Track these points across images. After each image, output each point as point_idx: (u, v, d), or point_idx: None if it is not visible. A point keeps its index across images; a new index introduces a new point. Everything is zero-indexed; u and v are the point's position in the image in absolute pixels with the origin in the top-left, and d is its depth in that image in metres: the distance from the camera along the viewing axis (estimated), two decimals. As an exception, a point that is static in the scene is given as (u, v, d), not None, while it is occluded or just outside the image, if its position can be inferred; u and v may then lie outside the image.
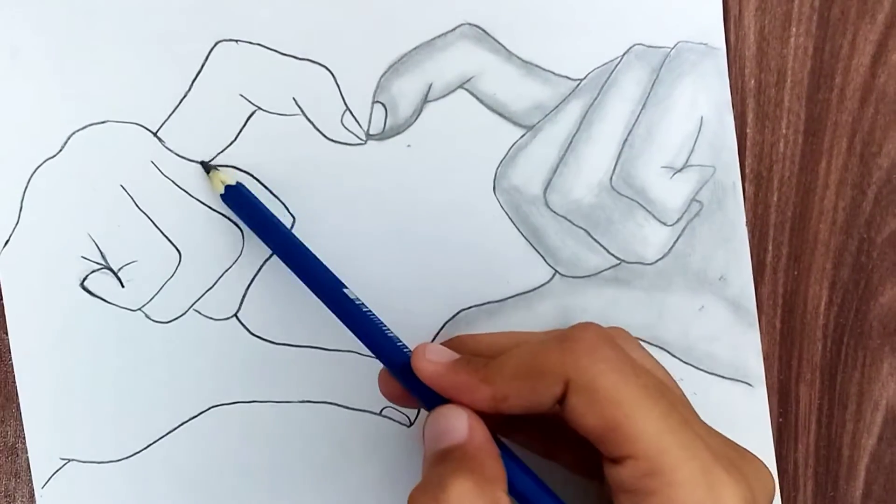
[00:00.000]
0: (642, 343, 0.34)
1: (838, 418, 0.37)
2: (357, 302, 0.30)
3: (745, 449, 0.27)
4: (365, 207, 0.34)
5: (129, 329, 0.34)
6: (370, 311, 0.30)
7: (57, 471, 0.34)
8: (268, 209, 0.33)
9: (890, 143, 0.36)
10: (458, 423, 0.27)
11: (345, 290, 0.31)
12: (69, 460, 0.34)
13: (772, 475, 0.27)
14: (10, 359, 0.34)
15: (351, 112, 0.34)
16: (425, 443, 0.28)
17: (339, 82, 0.34)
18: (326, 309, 0.34)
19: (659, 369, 0.29)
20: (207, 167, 0.33)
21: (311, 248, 0.33)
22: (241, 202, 0.33)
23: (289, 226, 0.34)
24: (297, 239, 0.32)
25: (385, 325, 0.30)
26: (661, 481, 0.25)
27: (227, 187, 0.33)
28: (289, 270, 0.34)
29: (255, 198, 0.33)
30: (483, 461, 0.26)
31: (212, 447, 0.34)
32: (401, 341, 0.30)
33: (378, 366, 0.30)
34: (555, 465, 0.31)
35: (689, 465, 0.25)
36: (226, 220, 0.34)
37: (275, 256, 0.34)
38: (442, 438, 0.27)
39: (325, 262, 0.32)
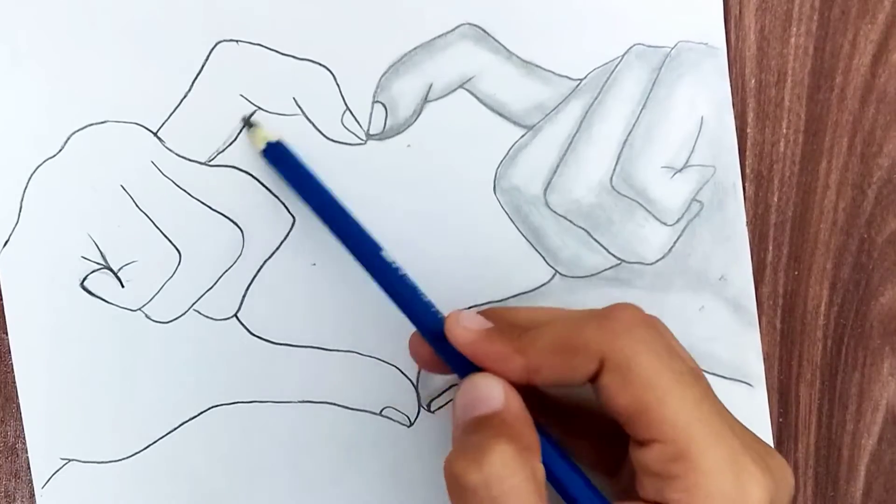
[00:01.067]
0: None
1: (838, 418, 0.37)
2: (394, 266, 0.30)
3: (769, 446, 0.27)
4: (365, 207, 0.34)
5: (129, 329, 0.34)
6: (406, 275, 0.30)
7: (57, 471, 0.34)
8: (309, 168, 0.32)
9: (890, 142, 0.36)
10: (494, 391, 0.26)
11: (382, 253, 0.30)
12: (69, 460, 0.34)
13: (792, 475, 0.27)
14: (10, 359, 0.34)
15: (351, 112, 0.34)
16: (457, 410, 0.27)
17: (339, 82, 0.34)
18: (326, 309, 0.34)
19: (692, 360, 0.29)
20: (249, 122, 0.33)
21: (310, 249, 0.33)
22: (281, 160, 0.32)
23: (289, 226, 0.34)
24: (338, 199, 0.32)
25: (420, 290, 0.30)
26: (687, 466, 0.24)
27: (269, 144, 0.32)
28: (288, 271, 0.34)
29: (297, 156, 0.33)
30: (521, 429, 0.26)
31: (212, 447, 0.34)
32: (435, 307, 0.29)
33: (379, 360, 0.30)
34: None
35: (717, 453, 0.24)
36: (226, 220, 0.34)
37: (275, 256, 0.34)
38: (477, 405, 0.26)
39: (324, 262, 0.32)
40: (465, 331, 0.28)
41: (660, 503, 0.25)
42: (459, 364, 0.28)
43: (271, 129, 0.33)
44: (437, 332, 0.29)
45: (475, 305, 0.35)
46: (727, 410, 0.26)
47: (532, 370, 0.27)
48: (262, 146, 0.32)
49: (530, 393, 0.27)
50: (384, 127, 0.34)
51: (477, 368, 0.28)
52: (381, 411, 0.35)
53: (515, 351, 0.27)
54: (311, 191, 0.32)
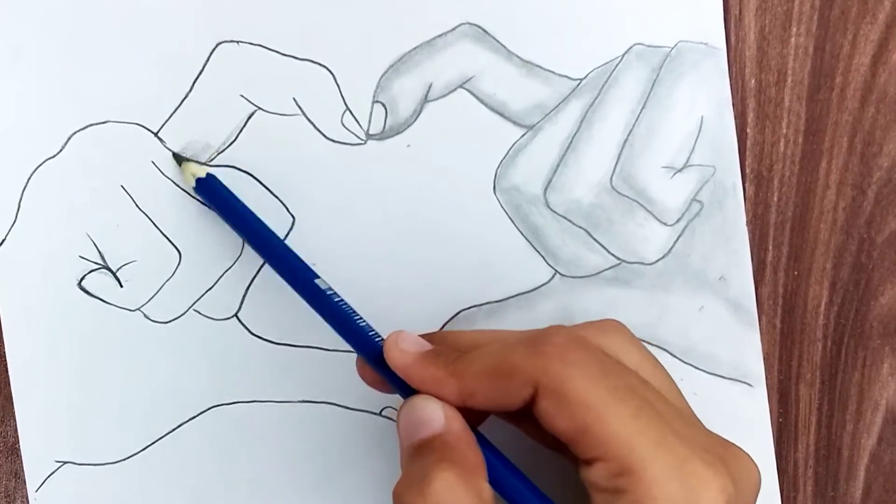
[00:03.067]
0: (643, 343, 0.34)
1: (838, 418, 0.37)
2: (329, 292, 0.30)
3: (729, 442, 0.27)
4: (365, 207, 0.34)
5: (128, 329, 0.34)
6: (342, 300, 0.30)
7: (51, 474, 0.34)
8: (240, 201, 0.33)
9: (890, 142, 0.36)
10: (433, 413, 0.27)
11: (316, 281, 0.30)
12: (64, 463, 0.34)
13: (757, 468, 0.27)
14: (7, 359, 0.34)
15: (351, 112, 0.34)
16: (400, 433, 0.27)
17: (339, 82, 0.34)
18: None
19: (646, 361, 0.29)
20: (179, 159, 0.33)
21: (310, 249, 0.33)
22: (212, 194, 0.33)
23: (289, 226, 0.34)
24: (271, 230, 0.32)
25: (358, 315, 0.30)
26: (632, 479, 0.24)
27: (199, 180, 0.33)
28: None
29: (227, 190, 0.33)
30: (463, 451, 0.26)
31: (212, 447, 0.34)
32: (373, 330, 0.30)
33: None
34: (544, 454, 0.31)
35: (661, 462, 0.25)
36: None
37: (275, 256, 0.34)
38: (418, 429, 0.27)
39: (324, 262, 0.32)
40: (401, 353, 0.28)
41: None
42: (402, 385, 0.28)
43: (199, 167, 0.33)
44: (378, 356, 0.29)
45: (475, 305, 0.35)
46: (678, 415, 0.27)
47: (466, 395, 0.27)
48: (192, 183, 0.33)
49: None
50: (384, 127, 0.34)
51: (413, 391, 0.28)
52: (381, 411, 0.35)
53: (449, 375, 0.27)
54: (247, 222, 0.32)
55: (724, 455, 0.26)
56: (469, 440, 0.26)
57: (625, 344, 0.29)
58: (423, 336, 0.29)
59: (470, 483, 0.25)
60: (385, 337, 0.29)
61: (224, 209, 0.33)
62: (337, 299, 0.30)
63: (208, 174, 0.33)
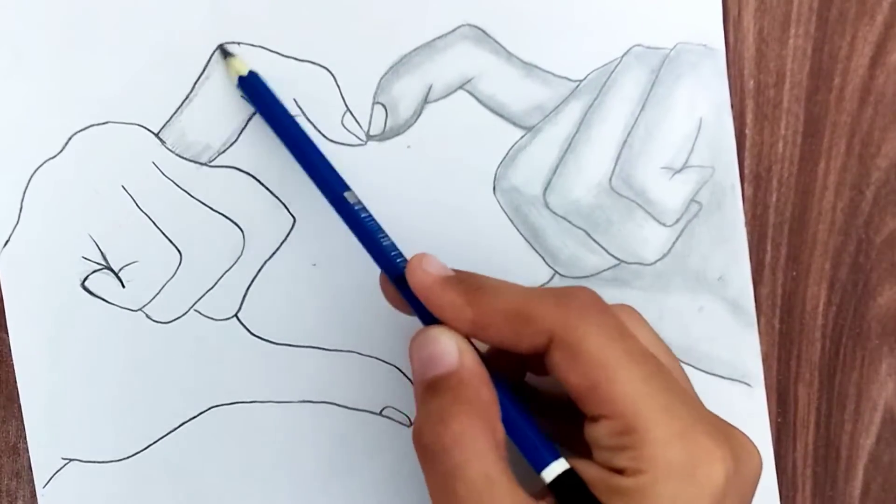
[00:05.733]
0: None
1: (837, 418, 0.37)
2: (357, 207, 0.30)
3: (733, 426, 0.27)
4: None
5: (129, 329, 0.34)
6: (370, 216, 0.30)
7: (58, 470, 0.34)
8: (280, 103, 0.33)
9: (888, 143, 0.36)
10: (447, 346, 0.27)
11: (346, 194, 0.31)
12: (70, 460, 0.34)
13: (759, 454, 0.27)
14: (11, 359, 0.34)
15: (351, 113, 0.34)
16: (414, 366, 0.27)
17: (339, 83, 0.34)
18: (326, 309, 0.34)
19: (660, 344, 0.29)
20: (226, 52, 0.33)
21: (311, 249, 0.33)
22: (254, 92, 0.33)
23: (289, 226, 0.34)
24: (308, 137, 0.32)
25: (384, 233, 0.30)
26: (635, 438, 0.25)
27: (240, 78, 0.33)
28: (289, 271, 0.34)
29: (269, 89, 0.33)
30: (477, 389, 0.26)
31: (212, 447, 0.35)
32: (397, 250, 0.30)
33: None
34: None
35: (665, 426, 0.25)
36: (226, 220, 0.34)
37: (275, 256, 0.34)
38: (432, 364, 0.27)
39: (325, 262, 0.32)
40: (423, 274, 0.28)
41: (611, 467, 0.25)
42: (418, 308, 0.28)
43: (245, 61, 0.33)
44: (398, 275, 0.29)
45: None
46: (685, 390, 0.27)
47: (479, 326, 0.27)
48: (235, 79, 0.33)
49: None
50: (384, 128, 0.34)
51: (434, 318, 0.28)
52: (381, 411, 0.35)
53: (467, 303, 0.27)
54: (283, 124, 0.32)
55: (727, 432, 0.26)
56: (483, 377, 0.26)
57: (641, 325, 0.29)
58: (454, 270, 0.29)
59: (486, 422, 0.25)
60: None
61: (262, 109, 0.33)
62: (364, 215, 0.30)
63: (251, 72, 0.33)
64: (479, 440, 0.25)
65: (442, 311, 0.27)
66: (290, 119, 0.33)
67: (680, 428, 0.25)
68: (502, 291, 0.27)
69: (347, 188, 0.31)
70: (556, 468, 0.26)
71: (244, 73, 0.33)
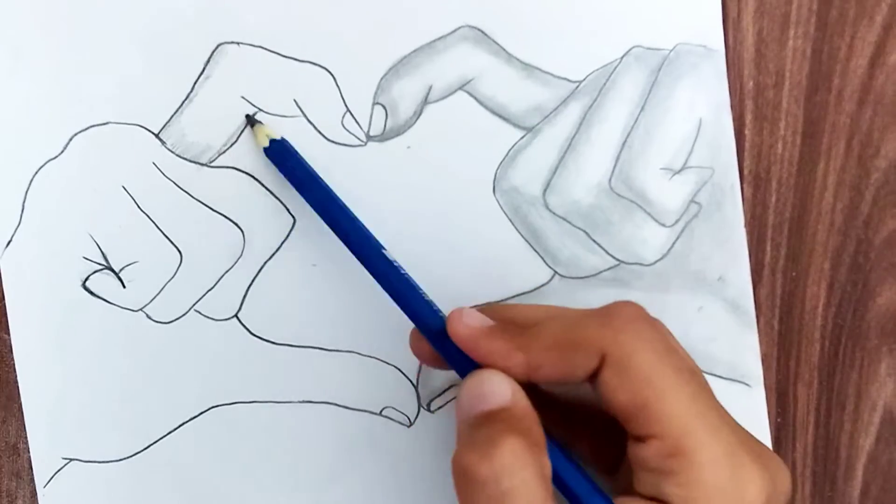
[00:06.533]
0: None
1: (836, 419, 0.37)
2: (395, 264, 0.30)
3: (767, 447, 0.27)
4: (365, 209, 0.34)
5: (130, 329, 0.34)
6: (407, 274, 0.30)
7: (59, 470, 0.34)
8: (310, 166, 0.33)
9: (888, 144, 0.36)
10: (501, 387, 0.26)
11: (384, 252, 0.31)
12: (71, 460, 0.34)
13: (790, 476, 0.27)
14: (12, 359, 0.34)
15: (351, 114, 0.34)
16: (462, 404, 0.27)
17: (339, 84, 0.34)
18: (326, 309, 0.34)
19: (690, 359, 0.29)
20: (252, 121, 0.33)
21: (310, 250, 0.33)
22: (283, 157, 0.33)
23: (289, 227, 0.34)
24: (339, 199, 0.32)
25: (422, 289, 0.30)
26: (684, 462, 0.24)
27: (272, 141, 0.33)
28: (289, 271, 0.34)
29: (298, 155, 0.33)
30: (529, 425, 0.26)
31: (212, 447, 0.35)
32: (436, 306, 0.30)
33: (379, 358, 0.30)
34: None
35: (714, 448, 0.24)
36: (227, 220, 0.34)
37: (275, 257, 0.34)
38: (485, 400, 0.26)
39: (324, 263, 0.32)
40: (466, 328, 0.28)
41: (657, 498, 0.25)
42: (459, 361, 0.28)
43: (274, 127, 0.33)
44: (437, 330, 0.29)
45: (474, 306, 0.35)
46: (725, 409, 0.27)
47: (533, 367, 0.27)
48: (266, 143, 0.33)
49: (530, 391, 0.27)
50: (384, 128, 0.34)
51: (477, 366, 0.28)
52: (381, 411, 0.35)
53: (517, 348, 0.27)
54: (313, 189, 0.32)
55: (764, 454, 0.26)
56: (534, 416, 0.26)
57: (673, 338, 0.29)
58: (478, 308, 0.29)
59: (535, 455, 0.25)
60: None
61: (293, 174, 0.33)
62: (403, 272, 0.30)
63: (282, 138, 0.33)
64: (529, 470, 0.24)
65: (494, 361, 0.27)
66: (323, 185, 0.32)
67: (727, 451, 0.25)
68: (547, 325, 0.27)
69: (383, 247, 0.31)
70: None
71: (276, 137, 0.33)
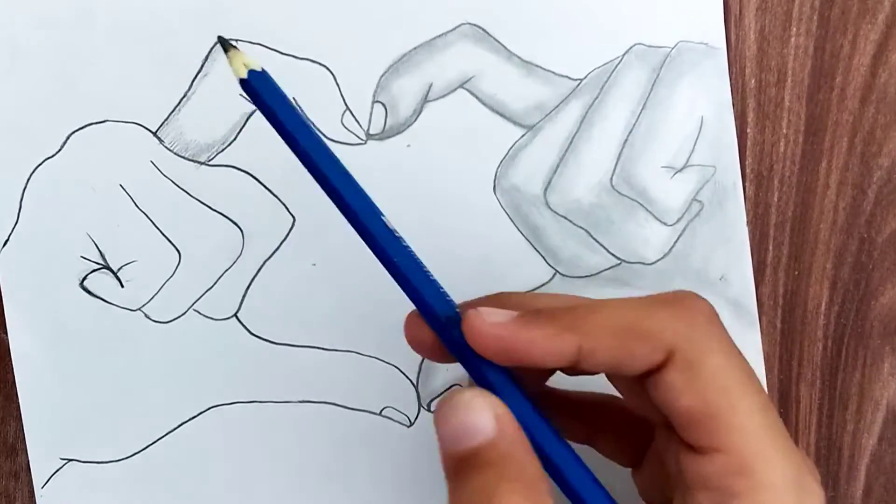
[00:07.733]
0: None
1: (839, 418, 0.37)
2: (397, 234, 0.25)
3: (807, 457, 0.25)
4: (365, 207, 0.34)
5: (128, 329, 0.34)
6: (410, 248, 0.25)
7: (57, 471, 0.34)
8: (299, 109, 0.27)
9: (890, 142, 0.36)
10: (482, 417, 0.23)
11: (383, 218, 0.25)
12: (69, 460, 0.34)
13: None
14: (10, 359, 0.34)
15: (351, 112, 0.34)
16: (441, 435, 0.23)
17: (339, 82, 0.34)
18: (326, 309, 0.34)
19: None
20: (226, 45, 0.24)
21: (310, 249, 0.32)
22: (264, 94, 0.24)
23: (289, 226, 0.34)
24: (331, 151, 0.25)
25: (427, 268, 0.25)
26: (751, 482, 0.22)
27: (251, 73, 0.24)
28: (288, 271, 0.34)
29: (284, 92, 0.25)
30: (521, 462, 0.22)
31: (211, 447, 0.34)
32: (444, 289, 0.25)
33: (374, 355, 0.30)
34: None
35: (782, 469, 0.22)
36: (226, 220, 0.34)
37: (275, 256, 0.34)
38: (467, 435, 0.23)
39: (324, 262, 0.32)
40: (492, 326, 0.23)
41: None
42: (469, 356, 0.24)
43: (253, 56, 0.25)
44: (445, 317, 0.25)
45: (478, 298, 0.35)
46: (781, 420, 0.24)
47: (586, 352, 0.23)
48: (243, 74, 0.24)
49: (541, 393, 0.26)
50: (384, 127, 0.34)
51: (485, 362, 0.24)
52: (381, 411, 0.35)
53: (565, 330, 0.23)
54: (301, 136, 0.25)
55: (814, 470, 0.24)
56: (526, 446, 0.23)
57: None
58: (483, 298, 0.26)
59: (536, 502, 0.22)
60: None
61: (273, 118, 0.25)
62: (405, 244, 0.25)
63: (263, 70, 0.24)
64: None
65: (531, 349, 0.23)
66: (312, 134, 0.25)
67: (794, 472, 0.22)
68: (606, 309, 0.24)
69: (382, 214, 0.25)
70: None
71: (244, 74, 0.24)
